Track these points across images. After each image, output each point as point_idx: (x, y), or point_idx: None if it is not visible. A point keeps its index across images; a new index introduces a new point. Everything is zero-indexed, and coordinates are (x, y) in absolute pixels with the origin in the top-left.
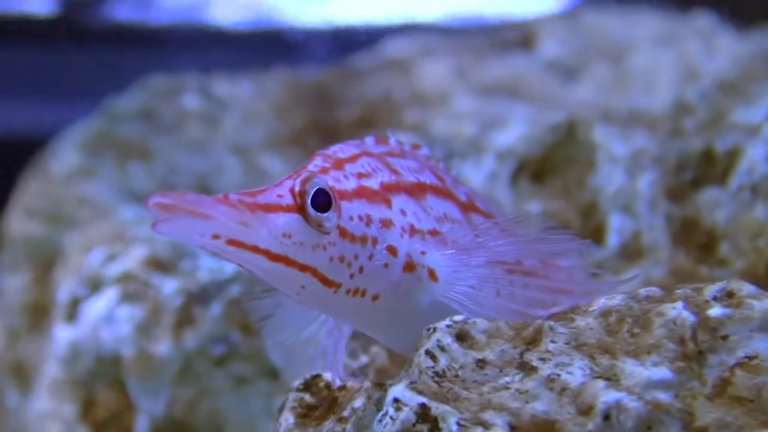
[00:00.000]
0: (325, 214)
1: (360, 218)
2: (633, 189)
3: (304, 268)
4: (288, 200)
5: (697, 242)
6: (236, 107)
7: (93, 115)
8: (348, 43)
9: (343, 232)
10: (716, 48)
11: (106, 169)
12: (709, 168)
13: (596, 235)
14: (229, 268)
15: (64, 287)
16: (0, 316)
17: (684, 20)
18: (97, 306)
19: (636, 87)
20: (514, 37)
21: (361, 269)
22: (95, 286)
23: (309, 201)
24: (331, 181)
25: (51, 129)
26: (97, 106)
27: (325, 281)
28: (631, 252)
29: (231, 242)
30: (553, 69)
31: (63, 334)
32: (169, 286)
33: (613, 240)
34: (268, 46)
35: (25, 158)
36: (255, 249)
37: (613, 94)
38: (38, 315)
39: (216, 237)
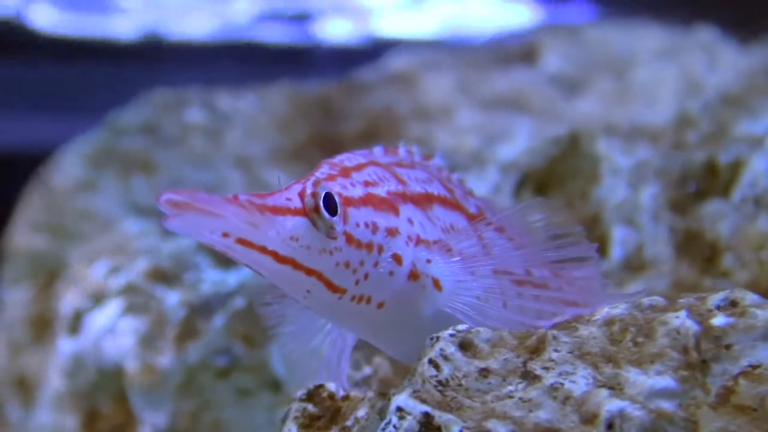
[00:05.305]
0: (333, 219)
1: (366, 225)
2: (636, 201)
3: (310, 272)
4: (296, 203)
5: (701, 254)
6: (239, 121)
7: (96, 129)
8: (351, 57)
9: (349, 238)
10: (719, 61)
11: (110, 182)
12: (712, 180)
13: (599, 247)
14: (231, 281)
15: (68, 300)
16: (3, 328)
17: (686, 34)
18: (100, 318)
19: (639, 100)
20: (517, 51)
21: (366, 276)
22: (98, 298)
23: (322, 203)
24: (338, 187)
25: (55, 142)
26: (101, 119)
27: (331, 286)
28: (635, 264)
29: (240, 241)
30: (556, 83)
31: (66, 347)
32: (172, 299)
33: (616, 252)
34: (272, 60)
35: (28, 172)
36: (263, 250)
37: (615, 107)
38: (41, 328)
39: (225, 235)
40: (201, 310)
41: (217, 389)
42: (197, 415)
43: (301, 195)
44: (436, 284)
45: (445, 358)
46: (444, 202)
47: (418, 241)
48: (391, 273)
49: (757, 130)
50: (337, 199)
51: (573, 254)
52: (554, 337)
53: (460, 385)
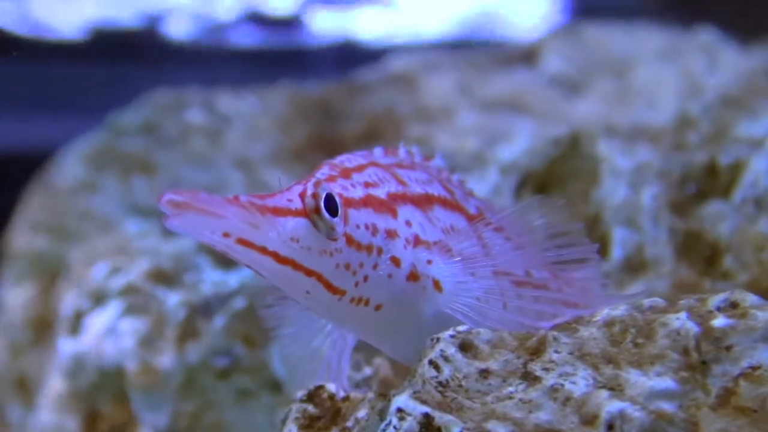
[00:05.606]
0: (334, 220)
1: (366, 227)
2: (636, 202)
3: (310, 273)
4: (297, 204)
5: (701, 255)
6: (240, 122)
7: (97, 130)
8: (352, 58)
9: (349, 240)
10: (719, 63)
11: (110, 182)
12: (712, 181)
13: (600, 248)
14: (232, 281)
15: (68, 300)
16: (3, 330)
17: (687, 35)
18: (101, 319)
19: (639, 101)
20: (518, 52)
21: (365, 278)
22: (99, 299)
23: (323, 204)
24: (338, 188)
25: (55, 143)
26: (101, 119)
27: (330, 287)
28: (635, 265)
29: (240, 241)
30: (557, 84)
31: (66, 347)
32: (173, 299)
33: (616, 253)
34: (272, 61)
35: (29, 172)
36: (263, 250)
37: (616, 108)
38: (41, 329)
39: (226, 235)
40: (201, 310)
41: (217, 390)
42: (197, 416)
43: (302, 196)
44: (437, 285)
45: (446, 359)
46: (444, 203)
47: (417, 242)
48: (389, 275)
49: (758, 131)
50: (337, 200)
51: (574, 255)
52: (554, 338)
53: (460, 386)
